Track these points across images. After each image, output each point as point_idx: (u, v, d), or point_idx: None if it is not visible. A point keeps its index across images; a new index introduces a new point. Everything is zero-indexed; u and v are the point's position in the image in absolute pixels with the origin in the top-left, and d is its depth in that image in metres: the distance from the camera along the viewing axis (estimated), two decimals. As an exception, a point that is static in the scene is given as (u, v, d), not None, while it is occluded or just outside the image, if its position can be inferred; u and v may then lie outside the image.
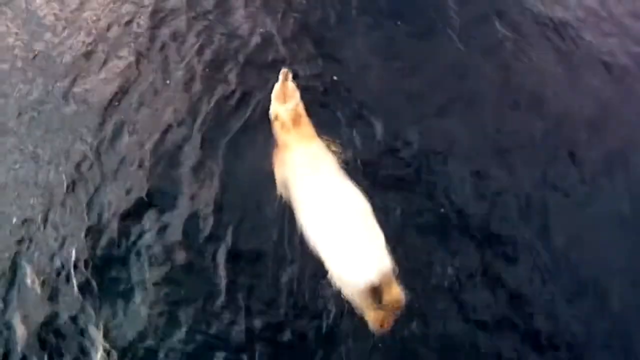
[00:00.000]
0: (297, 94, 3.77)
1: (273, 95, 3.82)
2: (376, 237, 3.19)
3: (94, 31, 5.12)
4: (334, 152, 3.65)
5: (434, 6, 5.20)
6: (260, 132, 4.05)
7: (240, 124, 4.16)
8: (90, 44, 5.01)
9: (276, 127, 3.77)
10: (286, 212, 3.62)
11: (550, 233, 3.86)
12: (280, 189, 3.63)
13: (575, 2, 5.59)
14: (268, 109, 3.95)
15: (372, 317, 3.19)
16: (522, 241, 3.78)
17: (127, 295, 3.57)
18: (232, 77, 4.52)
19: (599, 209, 4.04)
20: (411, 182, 3.85)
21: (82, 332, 3.49)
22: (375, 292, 3.13)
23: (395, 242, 3.30)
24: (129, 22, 5.10)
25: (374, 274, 3.06)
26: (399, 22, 5.00)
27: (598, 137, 4.48)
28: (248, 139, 4.11)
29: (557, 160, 4.29)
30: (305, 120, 3.70)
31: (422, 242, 3.61)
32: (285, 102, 3.75)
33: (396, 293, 3.15)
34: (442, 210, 3.77)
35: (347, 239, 3.19)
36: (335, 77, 4.39)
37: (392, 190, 3.70)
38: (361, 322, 3.30)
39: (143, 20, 5.09)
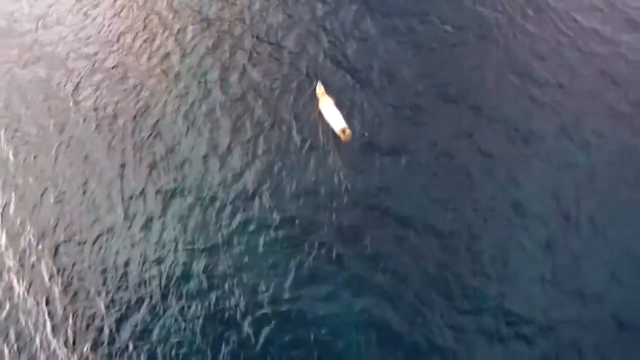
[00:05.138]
0: (322, 86, 14.70)
1: (317, 89, 14.70)
2: (342, 118, 13.93)
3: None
4: (334, 102, 14.29)
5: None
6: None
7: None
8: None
9: (319, 96, 14.51)
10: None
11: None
12: (319, 111, 14.27)
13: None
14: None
15: (341, 138, 13.72)
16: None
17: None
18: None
19: None
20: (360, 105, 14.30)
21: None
22: (343, 131, 13.75)
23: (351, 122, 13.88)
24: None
25: (343, 126, 13.79)
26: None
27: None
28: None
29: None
30: (325, 93, 14.56)
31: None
32: (320, 90, 14.63)
33: (348, 132, 13.75)
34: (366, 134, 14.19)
35: (334, 118, 14.00)
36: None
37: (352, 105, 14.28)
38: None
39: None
